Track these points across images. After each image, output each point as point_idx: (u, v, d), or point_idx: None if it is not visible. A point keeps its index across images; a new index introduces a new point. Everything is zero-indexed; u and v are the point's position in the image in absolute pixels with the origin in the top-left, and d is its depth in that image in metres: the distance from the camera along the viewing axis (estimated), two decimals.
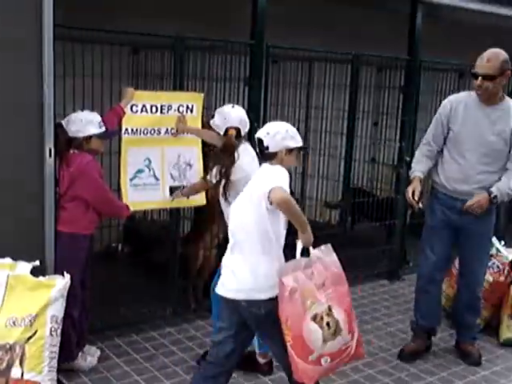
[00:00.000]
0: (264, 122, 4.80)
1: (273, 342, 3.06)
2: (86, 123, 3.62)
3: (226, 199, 3.66)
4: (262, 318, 2.93)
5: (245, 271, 2.93)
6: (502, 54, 3.81)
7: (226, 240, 3.15)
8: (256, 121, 4.65)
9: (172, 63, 4.33)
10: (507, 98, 3.97)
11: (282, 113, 5.86)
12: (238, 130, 3.67)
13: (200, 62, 4.71)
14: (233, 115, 3.69)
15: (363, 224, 6.48)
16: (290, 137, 3.09)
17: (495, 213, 4.13)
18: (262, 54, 4.64)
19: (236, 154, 3.63)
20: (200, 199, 4.32)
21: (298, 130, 5.88)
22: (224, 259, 3.10)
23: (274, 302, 2.85)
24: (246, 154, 3.69)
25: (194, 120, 4.21)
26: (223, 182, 3.61)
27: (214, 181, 3.65)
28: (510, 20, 6.24)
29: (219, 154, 3.66)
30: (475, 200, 3.84)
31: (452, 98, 4.11)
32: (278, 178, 2.92)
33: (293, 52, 5.38)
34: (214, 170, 3.65)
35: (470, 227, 4.02)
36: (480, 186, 3.90)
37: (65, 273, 3.51)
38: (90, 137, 3.64)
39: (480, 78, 3.77)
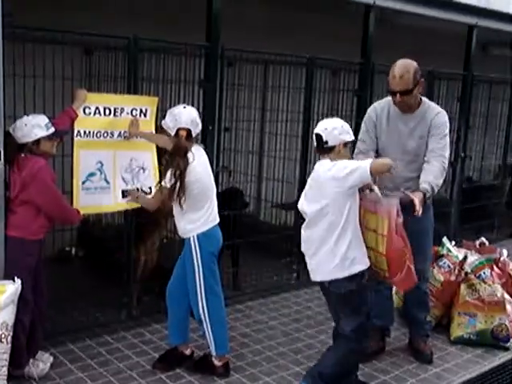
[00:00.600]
0: (219, 124, 4.87)
1: (350, 319, 3.44)
2: (30, 127, 3.52)
3: (180, 204, 3.62)
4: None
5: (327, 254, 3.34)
6: (412, 65, 3.87)
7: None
8: (211, 123, 4.65)
9: (126, 65, 4.29)
10: (424, 101, 4.07)
11: (237, 115, 5.84)
12: (188, 131, 3.64)
13: (154, 63, 4.66)
14: (184, 116, 3.66)
15: None
16: (346, 131, 3.37)
17: (433, 209, 4.25)
18: (217, 56, 4.65)
19: (190, 155, 3.60)
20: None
21: (253, 132, 6.05)
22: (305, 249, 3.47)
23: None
24: (198, 155, 3.68)
25: (147, 124, 4.18)
26: (178, 185, 3.57)
27: (169, 185, 3.60)
28: (457, 25, 6.41)
29: (171, 157, 3.62)
30: (418, 204, 3.70)
31: (376, 105, 4.18)
32: (352, 161, 3.36)
33: (248, 55, 5.38)
34: (168, 174, 3.60)
35: (409, 226, 4.06)
36: (410, 191, 3.84)
37: (15, 278, 3.44)
38: (38, 140, 3.55)
39: (398, 94, 3.85)
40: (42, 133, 3.55)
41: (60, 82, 4.06)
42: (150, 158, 4.23)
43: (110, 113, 4.02)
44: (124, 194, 4.15)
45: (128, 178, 4.16)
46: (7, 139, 3.52)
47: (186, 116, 3.66)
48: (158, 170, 4.24)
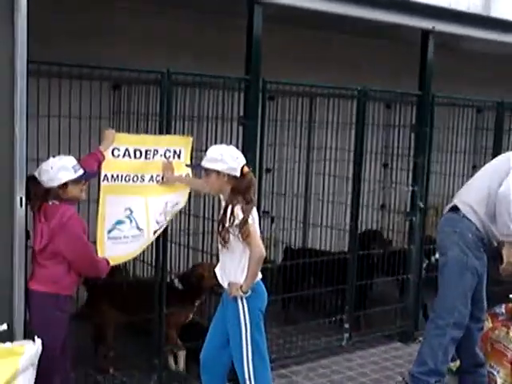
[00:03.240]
0: (260, 164, 4.92)
1: None
2: (57, 170, 3.61)
3: (225, 243, 3.73)
4: None
5: None
6: None
7: None
8: (251, 164, 4.64)
9: (158, 101, 4.39)
10: None
11: (280, 154, 5.91)
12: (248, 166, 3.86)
13: (189, 99, 4.77)
14: (239, 152, 3.87)
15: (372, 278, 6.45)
16: None
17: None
18: (258, 89, 4.72)
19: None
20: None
21: (297, 173, 6.08)
22: None
23: None
24: None
25: (182, 166, 4.26)
26: (242, 221, 3.65)
27: (249, 219, 3.68)
28: None
29: (243, 194, 3.72)
30: None
31: None
32: None
33: (292, 87, 5.45)
34: (239, 210, 3.67)
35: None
36: None
37: (36, 338, 3.48)
38: (65, 184, 3.64)
39: None
40: (69, 176, 3.64)
41: (86, 121, 4.19)
42: (184, 195, 4.34)
43: (140, 155, 4.11)
44: (155, 232, 4.25)
45: (161, 218, 4.25)
46: (31, 184, 3.62)
47: (236, 152, 3.86)
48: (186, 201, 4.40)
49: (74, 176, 3.65)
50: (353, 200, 5.61)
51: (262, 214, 5.20)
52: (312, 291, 5.83)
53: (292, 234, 5.80)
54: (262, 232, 5.04)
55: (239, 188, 3.73)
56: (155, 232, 4.24)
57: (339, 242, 6.01)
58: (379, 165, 6.14)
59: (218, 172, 3.76)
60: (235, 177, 3.75)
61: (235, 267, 3.77)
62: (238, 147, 4.42)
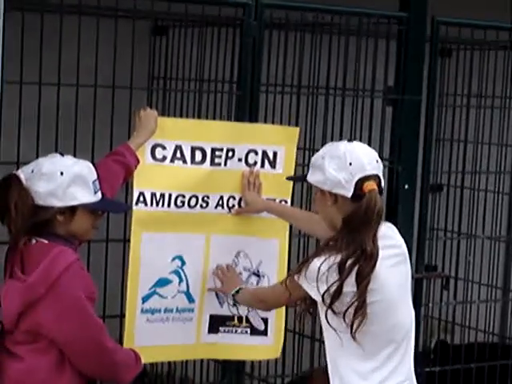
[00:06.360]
0: (425, 179, 4.98)
1: None
2: (69, 180, 3.51)
3: (352, 334, 3.60)
4: None
5: None
6: None
7: None
8: (407, 176, 4.69)
9: (236, 57, 4.49)
10: None
11: (461, 159, 5.74)
12: (378, 182, 3.71)
13: (293, 54, 4.79)
14: (362, 154, 3.70)
15: None
16: None
17: None
18: (424, 37, 4.78)
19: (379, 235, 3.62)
20: (273, 349, 4.36)
21: (496, 195, 5.95)
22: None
23: None
24: (388, 238, 3.70)
25: (279, 181, 4.24)
26: (354, 291, 3.55)
27: (328, 286, 3.57)
28: None
29: (346, 232, 3.63)
30: None
31: None
32: None
33: (487, 33, 5.41)
34: (328, 264, 3.55)
35: None
36: None
37: None
38: (74, 208, 3.56)
39: None
40: (86, 196, 3.56)
41: (106, 94, 4.22)
42: (275, 254, 4.34)
43: (203, 158, 4.15)
44: (214, 324, 4.24)
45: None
46: (14, 193, 3.46)
47: (365, 153, 3.72)
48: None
49: (92, 199, 3.59)
50: None
51: (427, 273, 5.17)
52: None
53: (483, 311, 5.74)
54: (426, 306, 4.99)
55: (352, 221, 3.61)
56: (213, 324, 4.26)
57: None
58: None
59: (321, 190, 3.72)
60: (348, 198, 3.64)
61: (331, 357, 3.75)
62: (381, 145, 4.53)
